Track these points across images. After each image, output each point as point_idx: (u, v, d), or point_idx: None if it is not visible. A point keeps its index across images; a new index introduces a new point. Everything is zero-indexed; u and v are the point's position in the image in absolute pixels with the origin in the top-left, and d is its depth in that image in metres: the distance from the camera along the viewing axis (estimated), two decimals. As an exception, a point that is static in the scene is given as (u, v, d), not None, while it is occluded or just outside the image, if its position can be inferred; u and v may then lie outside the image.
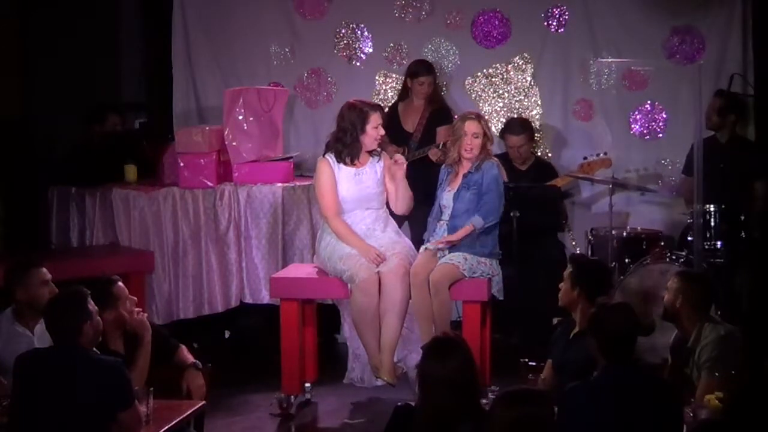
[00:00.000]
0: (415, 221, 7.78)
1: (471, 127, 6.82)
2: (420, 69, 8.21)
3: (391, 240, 6.82)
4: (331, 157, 6.84)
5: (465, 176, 6.83)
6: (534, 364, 6.02)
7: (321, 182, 6.85)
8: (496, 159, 6.96)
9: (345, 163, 6.81)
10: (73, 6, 9.19)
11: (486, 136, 6.84)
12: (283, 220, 7.73)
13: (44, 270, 5.90)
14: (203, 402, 5.67)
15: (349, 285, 6.66)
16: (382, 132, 6.81)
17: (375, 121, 6.76)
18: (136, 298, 5.96)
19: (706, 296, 5.74)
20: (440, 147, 7.72)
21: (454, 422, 4.44)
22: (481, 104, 8.69)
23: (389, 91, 8.74)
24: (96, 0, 9.40)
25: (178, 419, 5.31)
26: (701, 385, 5.44)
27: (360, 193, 6.81)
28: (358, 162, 6.83)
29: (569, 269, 5.94)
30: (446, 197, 6.89)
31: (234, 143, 7.85)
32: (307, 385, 7.08)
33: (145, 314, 5.99)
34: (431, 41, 8.71)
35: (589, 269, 5.95)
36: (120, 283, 5.84)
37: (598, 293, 5.64)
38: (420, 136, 8.10)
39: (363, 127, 6.75)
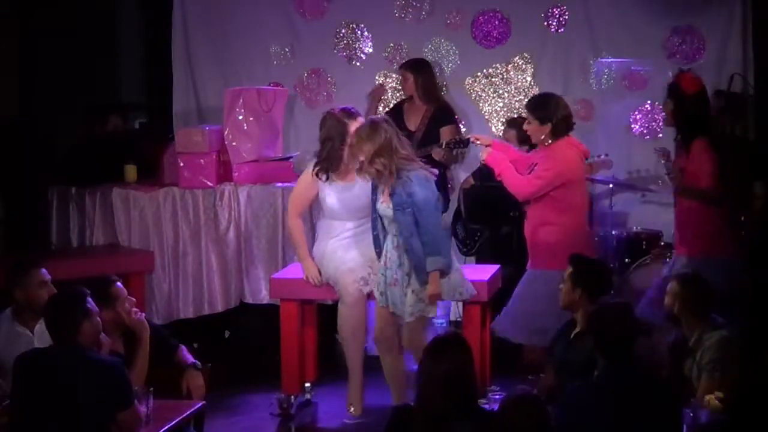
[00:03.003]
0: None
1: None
2: (404, 64, 8.29)
3: (371, 258, 6.53)
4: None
5: (391, 196, 6.18)
6: (534, 364, 6.03)
7: (297, 185, 6.78)
8: (419, 166, 6.24)
9: (327, 178, 6.55)
10: (73, 6, 9.19)
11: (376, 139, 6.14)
12: (283, 220, 7.72)
13: (43, 271, 5.90)
14: (203, 402, 5.67)
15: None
16: None
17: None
18: (134, 299, 5.96)
19: (703, 299, 5.74)
20: (443, 146, 7.73)
21: (452, 422, 4.44)
22: (481, 104, 8.70)
23: (389, 91, 8.75)
24: (96, 0, 9.40)
25: (178, 419, 5.31)
26: (701, 385, 5.45)
27: (350, 203, 6.59)
28: (340, 174, 6.54)
29: (570, 270, 5.93)
30: (382, 208, 6.33)
31: (234, 143, 7.85)
32: (307, 385, 7.06)
33: (143, 314, 5.99)
34: (431, 41, 8.71)
35: (589, 269, 5.94)
36: (119, 284, 5.84)
37: (600, 293, 5.64)
38: (421, 135, 8.10)
39: (344, 139, 6.47)
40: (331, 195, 6.61)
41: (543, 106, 6.50)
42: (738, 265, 6.65)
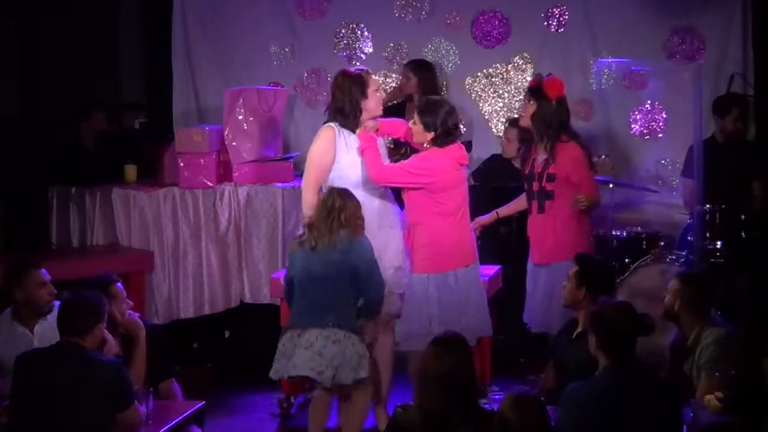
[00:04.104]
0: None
1: None
2: (409, 63, 8.29)
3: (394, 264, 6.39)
4: (336, 126, 6.37)
5: None
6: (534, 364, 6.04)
7: (316, 147, 6.38)
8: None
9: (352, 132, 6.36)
10: (72, 6, 9.18)
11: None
12: (283, 219, 7.74)
13: (43, 271, 5.90)
14: (203, 402, 5.66)
15: None
16: (383, 94, 6.53)
17: (374, 84, 6.43)
18: (132, 302, 5.93)
19: (704, 298, 5.74)
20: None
21: (452, 422, 4.44)
22: (481, 104, 8.70)
23: (389, 91, 8.74)
24: (96, 0, 9.40)
25: (178, 419, 5.31)
26: (701, 385, 5.45)
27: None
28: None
29: (575, 269, 5.94)
30: None
31: (234, 143, 7.85)
32: (308, 385, 7.06)
33: (137, 314, 5.94)
34: (431, 41, 8.71)
35: (595, 269, 5.95)
36: (119, 284, 5.83)
37: (603, 293, 5.64)
38: (422, 135, 8.09)
39: (364, 91, 6.35)
40: (349, 156, 6.34)
41: (431, 112, 6.35)
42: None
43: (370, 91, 6.37)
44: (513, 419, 4.27)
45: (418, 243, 6.38)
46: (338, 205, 5.99)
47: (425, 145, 6.39)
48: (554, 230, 6.65)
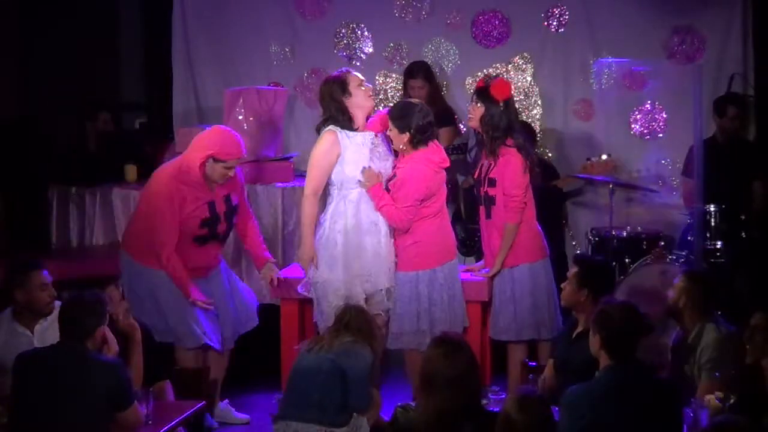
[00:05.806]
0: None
1: None
2: (413, 70, 8.22)
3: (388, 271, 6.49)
4: (337, 129, 6.40)
5: None
6: (534, 364, 6.03)
7: (318, 149, 6.42)
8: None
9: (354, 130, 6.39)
10: (72, 6, 9.19)
11: None
12: (283, 220, 7.73)
13: (44, 272, 5.90)
14: (203, 402, 5.67)
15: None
16: (371, 88, 6.48)
17: (355, 80, 6.40)
18: (127, 305, 5.93)
19: (708, 297, 5.75)
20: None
21: (456, 422, 4.45)
22: (481, 104, 8.69)
23: (389, 91, 8.75)
24: (96, 0, 9.40)
25: (178, 419, 5.31)
26: (701, 385, 5.45)
27: (376, 169, 6.43)
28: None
29: (575, 269, 5.93)
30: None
31: (234, 143, 7.85)
32: (308, 385, 7.06)
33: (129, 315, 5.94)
34: (431, 41, 8.71)
35: (595, 270, 5.95)
36: (112, 286, 5.81)
37: (603, 293, 5.64)
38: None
39: (345, 91, 6.36)
40: (355, 156, 6.34)
41: (402, 114, 6.39)
42: (546, 266, 6.73)
43: (351, 87, 6.38)
44: (518, 419, 4.26)
45: (403, 242, 6.43)
46: (354, 325, 5.76)
47: (401, 147, 6.41)
48: (500, 236, 6.65)
